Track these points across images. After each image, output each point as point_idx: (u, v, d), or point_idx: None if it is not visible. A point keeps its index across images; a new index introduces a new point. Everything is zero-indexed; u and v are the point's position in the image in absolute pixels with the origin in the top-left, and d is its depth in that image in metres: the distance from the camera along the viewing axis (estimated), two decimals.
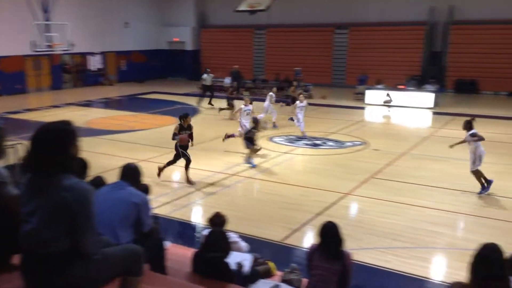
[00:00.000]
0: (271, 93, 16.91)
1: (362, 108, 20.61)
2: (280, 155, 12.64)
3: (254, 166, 11.43)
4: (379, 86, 21.62)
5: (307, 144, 14.09)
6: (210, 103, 20.79)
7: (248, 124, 12.67)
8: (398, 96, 20.55)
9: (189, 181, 10.17)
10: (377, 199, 9.34)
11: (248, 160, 11.57)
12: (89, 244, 2.82)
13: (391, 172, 11.24)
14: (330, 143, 14.33)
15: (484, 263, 3.00)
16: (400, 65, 25.31)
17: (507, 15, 23.18)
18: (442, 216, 8.49)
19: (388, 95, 19.97)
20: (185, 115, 10.32)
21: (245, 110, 13.65)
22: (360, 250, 7.04)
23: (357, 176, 10.79)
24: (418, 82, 22.52)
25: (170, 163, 10.36)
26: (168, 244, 5.67)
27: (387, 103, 19.46)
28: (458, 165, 11.65)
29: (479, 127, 16.34)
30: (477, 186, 9.71)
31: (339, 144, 14.13)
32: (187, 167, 10.14)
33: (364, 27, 26.87)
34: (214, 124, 17.15)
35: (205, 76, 21.39)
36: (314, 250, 4.27)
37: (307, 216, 8.40)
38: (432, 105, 20.16)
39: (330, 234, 4.21)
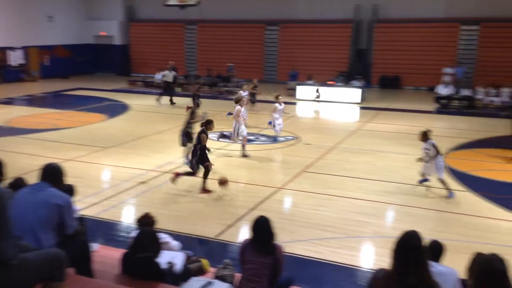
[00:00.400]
0: (241, 92, 16.28)
1: (294, 103, 20.99)
2: (213, 152, 12.57)
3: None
4: (309, 82, 22.14)
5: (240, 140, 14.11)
6: (171, 101, 20.14)
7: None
8: (327, 92, 21.16)
9: (206, 190, 9.43)
10: (309, 192, 9.55)
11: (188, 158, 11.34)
12: (6, 249, 2.63)
13: (322, 165, 11.54)
14: (263, 138, 14.47)
15: (404, 249, 3.13)
16: (329, 61, 26.05)
17: (428, 14, 24.56)
18: (369, 207, 8.84)
19: (317, 90, 20.51)
20: (209, 121, 9.57)
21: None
22: (294, 242, 7.17)
23: (289, 170, 10.98)
24: (346, 78, 23.31)
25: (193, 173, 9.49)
26: (96, 246, 5.46)
27: (317, 99, 19.98)
28: (384, 158, 12.22)
29: (401, 120, 17.27)
30: (399, 176, 10.21)
31: (272, 139, 14.29)
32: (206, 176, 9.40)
33: (294, 24, 27.37)
34: (146, 121, 16.74)
35: (166, 72, 20.76)
36: (246, 244, 4.28)
37: (241, 211, 8.42)
38: (359, 100, 20.94)
39: (261, 228, 4.23)
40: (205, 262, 5.20)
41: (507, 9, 22.83)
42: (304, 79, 22.79)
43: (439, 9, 24.45)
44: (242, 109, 12.31)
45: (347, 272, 6.47)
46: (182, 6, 23.75)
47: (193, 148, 9.56)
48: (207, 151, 9.40)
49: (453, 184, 10.08)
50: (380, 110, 19.41)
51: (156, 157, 11.97)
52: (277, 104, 13.63)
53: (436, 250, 4.30)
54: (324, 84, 21.75)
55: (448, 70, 22.36)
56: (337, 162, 11.84)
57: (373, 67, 26.29)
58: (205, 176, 9.37)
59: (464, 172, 10.98)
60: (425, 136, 9.38)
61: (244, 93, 16.04)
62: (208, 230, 7.65)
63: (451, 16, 24.25)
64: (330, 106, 20.53)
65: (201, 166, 9.37)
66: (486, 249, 6.20)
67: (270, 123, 14.23)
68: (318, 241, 7.33)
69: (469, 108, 19.65)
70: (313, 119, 19.20)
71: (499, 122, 17.03)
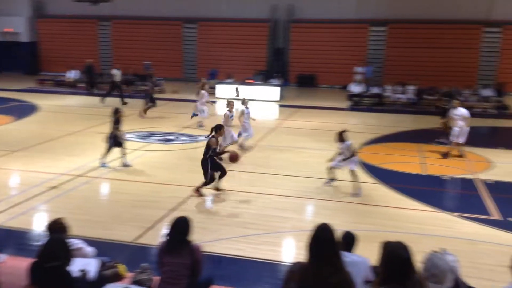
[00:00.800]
0: (203, 91, 15.85)
1: (214, 102, 20.93)
2: (131, 152, 12.19)
3: (105, 166, 10.81)
4: (229, 81, 22.21)
5: (159, 140, 13.84)
6: (123, 101, 19.04)
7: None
8: (246, 90, 21.34)
9: (200, 193, 9.05)
10: (231, 190, 9.55)
11: (102, 162, 10.89)
12: None
13: (245, 164, 11.60)
14: (183, 138, 14.29)
15: (318, 242, 3.24)
16: (247, 60, 26.31)
17: (340, 16, 25.62)
18: (289, 202, 9.04)
19: (237, 89, 20.62)
20: (219, 126, 9.23)
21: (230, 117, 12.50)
22: (216, 241, 7.16)
23: None
24: (265, 77, 23.68)
25: (207, 183, 8.98)
26: (3, 257, 5.09)
27: (237, 97, 20.07)
28: (302, 154, 12.58)
29: (317, 117, 17.85)
30: (316, 171, 10.57)
31: (193, 138, 14.16)
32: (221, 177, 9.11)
33: (212, 23, 27.31)
34: (56, 122, 15.84)
35: (114, 71, 19.56)
36: (163, 246, 4.19)
37: (161, 213, 8.24)
38: (278, 98, 21.37)
39: (178, 229, 4.17)
40: (122, 267, 5.02)
41: (412, 11, 24.44)
42: (224, 77, 22.82)
43: (350, 10, 25.60)
44: (230, 114, 12.26)
45: (268, 268, 6.57)
46: (94, 2, 22.75)
47: (204, 157, 8.97)
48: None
49: (365, 177, 10.61)
50: (298, 107, 19.94)
51: (68, 160, 11.36)
52: (244, 108, 13.11)
53: (349, 240, 4.49)
54: (243, 82, 21.93)
55: (359, 69, 23.54)
56: (258, 159, 11.99)
57: (290, 66, 26.95)
58: (206, 183, 8.98)
59: (375, 166, 11.59)
60: (341, 137, 9.50)
61: (204, 92, 15.72)
62: (125, 234, 7.40)
63: (361, 17, 25.50)
64: (250, 104, 20.69)
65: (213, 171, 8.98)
66: (395, 237, 6.58)
67: (194, 114, 14.27)
68: (240, 238, 7.37)
69: (378, 105, 20.81)
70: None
71: (406, 118, 18.21)
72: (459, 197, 10.14)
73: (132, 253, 6.91)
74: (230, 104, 12.60)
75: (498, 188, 10.09)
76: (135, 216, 8.15)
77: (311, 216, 8.79)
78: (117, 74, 19.83)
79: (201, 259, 4.25)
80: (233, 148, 11.62)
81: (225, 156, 9.52)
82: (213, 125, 9.31)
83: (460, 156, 12.33)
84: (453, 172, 11.17)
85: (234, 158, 9.18)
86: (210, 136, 9.10)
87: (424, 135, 15.37)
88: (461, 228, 8.03)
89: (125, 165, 10.89)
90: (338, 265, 3.19)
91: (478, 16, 23.83)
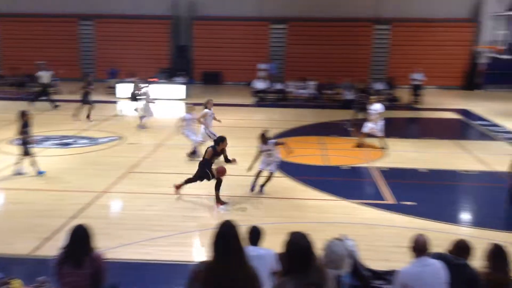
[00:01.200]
0: (147, 89, 15.40)
1: (115, 102, 20.18)
2: (23, 159, 11.33)
3: (42, 173, 10.09)
4: (131, 80, 21.46)
5: (56, 144, 13.02)
6: (52, 104, 17.41)
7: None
8: (150, 89, 20.77)
9: (221, 202, 8.73)
10: (136, 193, 9.29)
11: (19, 169, 10.02)
12: None
13: (148, 164, 11.34)
14: (83, 141, 13.57)
15: (222, 240, 3.24)
16: (149, 58, 25.65)
17: (241, 13, 25.93)
18: (197, 201, 8.98)
19: (139, 88, 19.99)
20: (222, 138, 8.88)
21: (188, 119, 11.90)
22: (121, 247, 6.91)
23: (114, 172, 10.51)
24: (169, 75, 23.26)
25: (189, 180, 8.93)
26: None
27: (138, 96, 19.47)
28: None
29: (225, 114, 17.86)
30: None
31: (93, 141, 13.51)
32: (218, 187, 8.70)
33: (110, 19, 26.23)
34: None
35: (41, 73, 17.52)
36: (61, 257, 3.94)
37: (60, 221, 7.75)
38: (184, 96, 21.10)
39: (76, 237, 3.94)
40: (17, 282, 4.66)
41: (310, 10, 25.41)
42: (124, 76, 22.02)
43: (252, 8, 26.01)
44: (209, 112, 11.93)
45: (178, 269, 6.46)
46: None
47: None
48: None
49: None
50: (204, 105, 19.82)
51: None
52: (207, 110, 12.37)
53: (255, 234, 4.56)
54: (145, 81, 21.31)
55: (262, 66, 24.02)
56: (164, 159, 11.76)
57: (194, 63, 26.75)
58: (217, 188, 8.71)
59: (281, 159, 11.88)
60: (264, 138, 9.33)
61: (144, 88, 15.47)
62: (21, 246, 6.87)
63: (262, 15, 26.02)
64: (154, 103, 20.22)
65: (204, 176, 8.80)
66: (301, 228, 6.80)
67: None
68: (147, 242, 7.18)
69: (282, 100, 21.42)
70: (137, 117, 18.67)
71: (308, 112, 18.92)
72: (358, 185, 10.75)
73: (29, 267, 6.43)
74: (209, 102, 12.22)
75: (392, 175, 10.87)
76: (32, 227, 7.59)
77: (220, 213, 8.79)
78: (44, 75, 18.31)
79: (104, 267, 4.06)
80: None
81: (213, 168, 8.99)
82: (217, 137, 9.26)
83: (382, 147, 13.01)
84: (352, 162, 11.82)
85: (222, 172, 8.80)
86: (210, 146, 8.89)
87: (325, 128, 16.10)
88: (360, 214, 8.54)
89: (19, 173, 10.12)
90: (243, 261, 3.21)
91: (369, 14, 25.46)
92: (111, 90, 21.51)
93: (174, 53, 26.66)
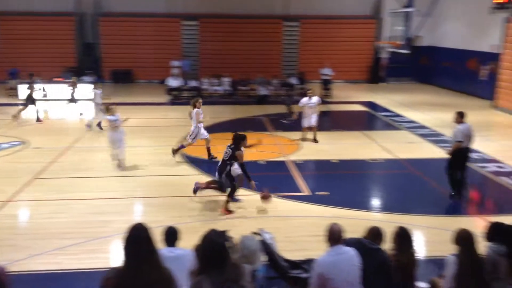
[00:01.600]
0: (96, 90, 14.43)
1: (17, 104, 18.76)
2: None
3: None
4: (33, 80, 20.10)
5: None
6: None
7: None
8: (55, 89, 19.67)
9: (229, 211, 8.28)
10: (43, 200, 8.73)
11: None
12: None
13: (56, 169, 10.70)
14: None
15: (133, 243, 3.14)
16: (54, 57, 24.21)
17: (150, 9, 25.29)
18: (111, 204, 8.64)
19: (43, 89, 18.84)
20: (243, 137, 8.44)
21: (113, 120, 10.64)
22: (29, 258, 6.47)
23: (17, 179, 9.79)
24: (76, 74, 22.08)
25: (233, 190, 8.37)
26: None
27: (44, 97, 18.37)
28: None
29: (138, 114, 17.37)
30: (138, 169, 10.30)
31: None
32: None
33: (13, 17, 24.32)
34: None
35: None
36: None
37: None
38: (92, 96, 20.12)
39: None
40: None
41: (221, 7, 25.43)
42: (28, 77, 20.55)
43: (161, 5, 25.49)
44: (200, 111, 11.27)
45: (90, 277, 6.15)
46: None
47: (221, 163, 8.38)
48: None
49: (188, 169, 10.76)
50: (115, 105, 19.08)
51: None
52: (196, 110, 11.43)
53: (171, 235, 4.47)
54: (50, 81, 20.13)
55: (175, 63, 23.65)
56: (73, 163, 11.17)
57: (103, 61, 25.67)
58: (231, 195, 8.34)
59: (198, 158, 11.81)
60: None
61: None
62: None
63: (172, 11, 25.58)
64: (61, 104, 19.15)
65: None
66: (219, 225, 6.81)
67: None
68: (58, 251, 6.77)
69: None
70: (43, 119, 17.56)
71: (224, 109, 18.93)
72: (275, 179, 10.92)
73: None
74: (198, 101, 11.54)
75: (306, 167, 11.24)
76: None
77: (135, 216, 8.53)
78: None
79: (6, 282, 3.75)
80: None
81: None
82: (235, 135, 8.53)
83: (315, 139, 13.36)
84: (268, 156, 12.02)
85: (266, 197, 8.41)
86: (232, 147, 8.35)
87: (241, 124, 16.22)
88: (278, 207, 8.70)
89: None
90: (155, 263, 3.13)
91: (278, 11, 26.05)
92: (13, 92, 20.00)
93: (81, 51, 25.39)
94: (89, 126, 14.69)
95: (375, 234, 4.79)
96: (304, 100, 13.38)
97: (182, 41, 26.05)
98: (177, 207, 8.65)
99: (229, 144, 8.52)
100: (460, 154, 9.00)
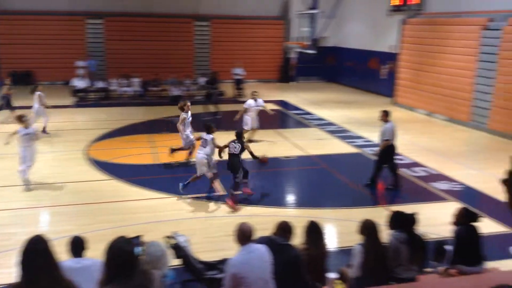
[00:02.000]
0: (39, 93, 13.84)
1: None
2: None
3: None
4: None
5: None
6: None
7: None
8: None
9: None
10: None
11: None
12: None
13: None
14: None
15: (31, 257, 2.96)
16: None
17: (51, 7, 23.86)
18: (13, 216, 8.07)
19: None
20: (240, 132, 9.37)
21: None
22: None
23: None
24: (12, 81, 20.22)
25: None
26: None
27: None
28: None
29: (41, 118, 16.24)
30: (41, 176, 9.70)
31: None
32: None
33: None
34: None
35: None
36: None
37: None
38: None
39: None
40: None
41: (127, 5, 24.64)
42: None
43: (63, 2, 24.16)
44: (188, 115, 11.04)
45: None
46: None
47: (233, 158, 9.00)
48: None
49: (97, 174, 10.32)
50: (16, 109, 17.81)
51: None
52: (183, 114, 11.05)
53: (77, 245, 4.24)
54: None
55: (80, 63, 22.52)
56: None
57: (1, 62, 23.78)
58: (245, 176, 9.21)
59: (107, 162, 11.37)
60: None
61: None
62: None
63: (75, 9, 24.35)
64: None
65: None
66: (132, 230, 6.62)
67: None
68: None
69: (105, 99, 20.42)
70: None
71: (135, 110, 18.40)
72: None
73: None
74: (186, 105, 11.09)
75: (220, 167, 11.23)
76: None
77: (41, 226, 8.02)
78: None
79: None
80: None
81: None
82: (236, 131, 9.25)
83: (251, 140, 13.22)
84: (183, 157, 11.86)
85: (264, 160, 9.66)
86: (238, 141, 9.03)
87: (153, 125, 15.89)
88: (193, 209, 8.65)
89: None
90: (56, 276, 2.96)
91: (189, 11, 25.83)
92: None
93: None
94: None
95: (284, 229, 4.91)
96: (251, 102, 13.42)
97: (87, 40, 24.89)
98: (86, 215, 8.27)
99: (233, 140, 9.07)
100: (388, 151, 9.66)
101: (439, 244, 5.71)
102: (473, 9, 16.39)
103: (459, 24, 16.65)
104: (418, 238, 5.10)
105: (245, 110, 13.44)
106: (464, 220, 5.34)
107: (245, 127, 13.24)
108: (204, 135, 9.19)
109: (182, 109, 11.08)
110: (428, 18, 18.65)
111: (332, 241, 7.36)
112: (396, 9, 21.00)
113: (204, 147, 9.06)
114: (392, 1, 21.20)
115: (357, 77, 25.06)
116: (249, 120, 13.34)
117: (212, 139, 9.04)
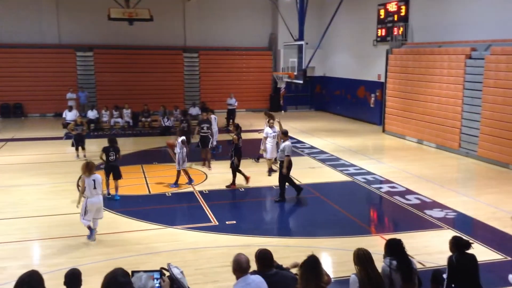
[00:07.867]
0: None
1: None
2: None
3: None
4: None
5: None
6: None
7: None
8: None
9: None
10: None
11: None
12: None
13: None
14: None
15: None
16: None
17: (43, 40, 24.10)
18: (4, 249, 7.94)
19: None
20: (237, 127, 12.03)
21: None
22: None
23: None
24: None
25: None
26: None
27: None
28: (16, 192, 11.27)
29: (31, 150, 16.19)
30: (33, 209, 9.60)
31: None
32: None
33: None
34: None
35: None
36: None
37: None
38: None
39: None
40: None
41: (117, 38, 24.91)
42: None
43: (53, 35, 24.41)
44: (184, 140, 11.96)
45: None
46: None
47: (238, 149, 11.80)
48: None
49: None
50: (4, 141, 17.74)
51: None
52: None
53: (73, 278, 4.16)
54: None
55: (70, 95, 22.60)
56: None
57: None
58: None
59: None
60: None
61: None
62: None
63: (65, 43, 24.60)
64: None
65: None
66: (125, 263, 6.57)
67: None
68: None
69: (96, 130, 20.43)
70: None
71: (126, 141, 18.32)
72: (183, 210, 10.82)
73: None
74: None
75: (213, 196, 11.24)
76: None
77: (33, 259, 7.91)
78: None
79: None
80: None
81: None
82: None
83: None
84: (176, 187, 11.84)
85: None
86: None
87: (146, 156, 15.87)
88: (187, 239, 8.59)
89: None
90: None
91: (178, 43, 26.21)
92: None
93: None
94: None
95: (262, 260, 4.62)
96: (268, 130, 13.49)
97: (78, 72, 25.05)
98: (78, 247, 8.16)
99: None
100: (290, 166, 10.77)
101: (436, 272, 5.73)
102: (456, 39, 16.86)
103: (444, 54, 17.07)
104: (408, 264, 5.09)
105: (265, 139, 13.51)
106: (456, 248, 5.38)
107: (265, 156, 13.50)
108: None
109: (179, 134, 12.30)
110: (412, 48, 19.11)
111: (327, 271, 7.32)
112: (381, 39, 21.52)
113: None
114: (379, 32, 21.75)
115: (346, 106, 25.39)
116: (269, 149, 13.40)
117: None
